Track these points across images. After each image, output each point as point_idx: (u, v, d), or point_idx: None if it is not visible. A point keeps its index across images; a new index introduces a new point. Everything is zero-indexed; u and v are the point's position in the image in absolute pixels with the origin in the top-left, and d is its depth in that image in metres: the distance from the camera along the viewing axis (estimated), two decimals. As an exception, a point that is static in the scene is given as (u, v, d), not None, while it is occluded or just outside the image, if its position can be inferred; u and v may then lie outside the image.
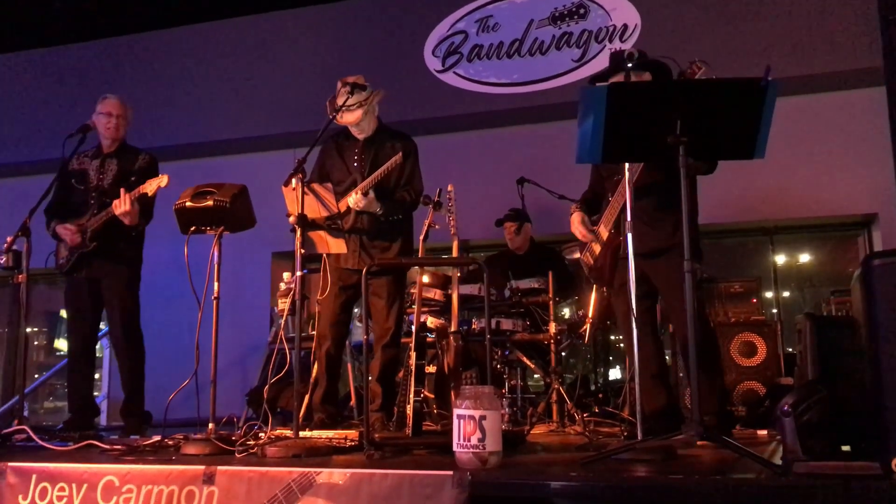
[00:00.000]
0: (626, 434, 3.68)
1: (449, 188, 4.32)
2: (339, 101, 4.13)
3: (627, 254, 3.40)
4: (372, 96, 4.24)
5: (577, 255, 5.30)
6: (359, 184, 4.13)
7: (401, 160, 4.10)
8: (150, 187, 4.22)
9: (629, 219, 3.08)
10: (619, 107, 2.74)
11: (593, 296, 4.85)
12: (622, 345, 5.66)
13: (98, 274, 4.47)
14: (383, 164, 4.11)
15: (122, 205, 4.21)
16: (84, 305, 4.52)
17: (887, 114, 5.88)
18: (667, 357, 3.98)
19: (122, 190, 4.24)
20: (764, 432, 3.85)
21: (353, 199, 4.08)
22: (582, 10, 6.68)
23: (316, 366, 4.36)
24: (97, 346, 4.96)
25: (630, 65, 3.04)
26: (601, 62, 6.51)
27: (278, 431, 3.56)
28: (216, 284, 3.43)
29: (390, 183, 4.24)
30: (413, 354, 3.83)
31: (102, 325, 5.00)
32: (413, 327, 4.11)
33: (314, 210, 3.58)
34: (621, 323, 3.49)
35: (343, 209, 4.12)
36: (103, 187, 4.47)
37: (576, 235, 3.90)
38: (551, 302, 4.79)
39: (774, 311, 6.69)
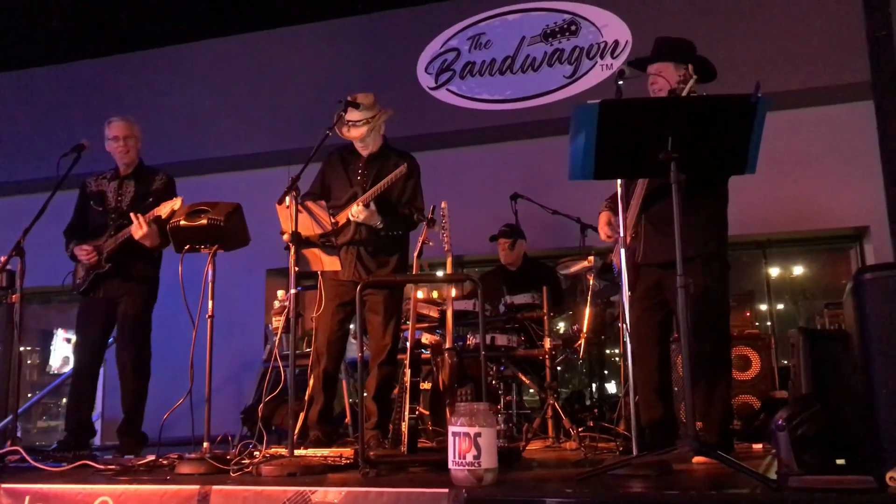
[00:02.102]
0: (621, 449, 3.68)
1: (442, 205, 4.33)
2: (344, 116, 4.13)
3: (642, 262, 3.42)
4: (378, 115, 4.25)
5: (573, 269, 5.33)
6: (359, 197, 4.15)
7: (405, 171, 4.09)
8: (163, 210, 4.22)
9: (621, 234, 3.11)
10: (610, 123, 2.76)
11: (587, 310, 4.86)
12: (617, 359, 5.68)
13: (115, 294, 4.49)
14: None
15: (139, 228, 4.22)
16: (96, 326, 4.52)
17: (876, 127, 5.95)
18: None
19: (132, 214, 4.27)
20: (759, 446, 3.86)
21: (354, 210, 4.09)
22: (573, 27, 6.74)
23: (311, 383, 4.35)
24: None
25: (621, 82, 3.06)
26: (593, 78, 6.59)
27: (273, 450, 3.55)
28: (210, 303, 3.43)
29: (392, 199, 4.25)
30: (408, 371, 3.83)
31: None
32: (408, 344, 4.11)
33: (308, 228, 3.59)
34: (631, 331, 3.33)
35: (343, 221, 4.13)
36: (121, 209, 4.49)
37: (600, 236, 3.79)
38: (546, 317, 4.80)
39: (768, 324, 6.71)
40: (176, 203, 4.18)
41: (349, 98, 4.13)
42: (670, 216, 3.33)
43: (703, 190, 3.06)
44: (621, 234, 3.10)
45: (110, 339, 4.74)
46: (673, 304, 3.43)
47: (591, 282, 4.89)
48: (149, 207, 4.35)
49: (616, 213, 3.74)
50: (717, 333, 3.38)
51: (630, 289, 3.66)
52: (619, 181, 3.19)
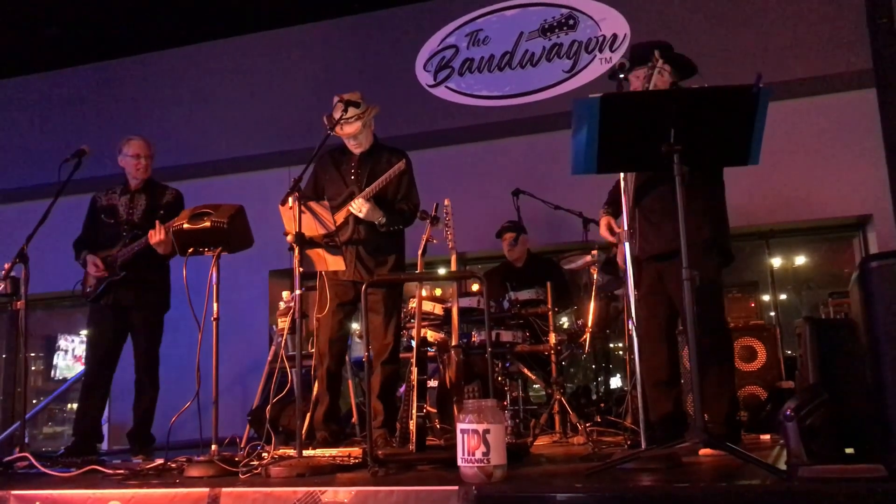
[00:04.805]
0: (629, 443, 3.68)
1: (446, 202, 4.34)
2: (336, 116, 4.16)
3: (640, 256, 3.41)
4: (369, 110, 4.28)
5: (576, 264, 5.33)
6: (356, 195, 4.15)
7: (404, 167, 4.13)
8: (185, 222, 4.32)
9: (625, 227, 3.10)
10: (612, 117, 2.75)
11: (592, 305, 4.85)
12: (622, 352, 5.67)
13: (125, 301, 4.57)
14: (380, 177, 4.13)
15: (157, 234, 4.32)
16: (107, 332, 4.59)
17: (878, 115, 5.93)
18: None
19: (157, 222, 4.35)
20: (767, 437, 3.85)
21: (357, 204, 4.10)
22: (571, 22, 6.73)
23: (317, 384, 4.35)
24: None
25: (622, 76, 3.05)
26: (592, 72, 6.57)
27: (281, 451, 3.55)
28: (215, 305, 3.43)
29: (388, 195, 4.26)
30: (415, 370, 3.83)
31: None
32: (413, 342, 4.11)
33: (311, 228, 3.59)
34: (640, 330, 3.28)
35: (340, 220, 4.13)
36: (134, 221, 4.62)
37: (604, 239, 3.85)
38: (550, 312, 4.79)
39: (772, 314, 6.70)
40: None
41: (336, 98, 4.17)
42: (662, 208, 3.40)
43: (696, 180, 3.03)
44: (625, 229, 3.09)
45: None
46: (674, 296, 3.45)
47: (595, 276, 4.88)
48: (162, 219, 4.43)
49: (615, 215, 3.77)
50: (715, 324, 3.37)
51: (636, 286, 3.67)
52: (621, 175, 3.18)
